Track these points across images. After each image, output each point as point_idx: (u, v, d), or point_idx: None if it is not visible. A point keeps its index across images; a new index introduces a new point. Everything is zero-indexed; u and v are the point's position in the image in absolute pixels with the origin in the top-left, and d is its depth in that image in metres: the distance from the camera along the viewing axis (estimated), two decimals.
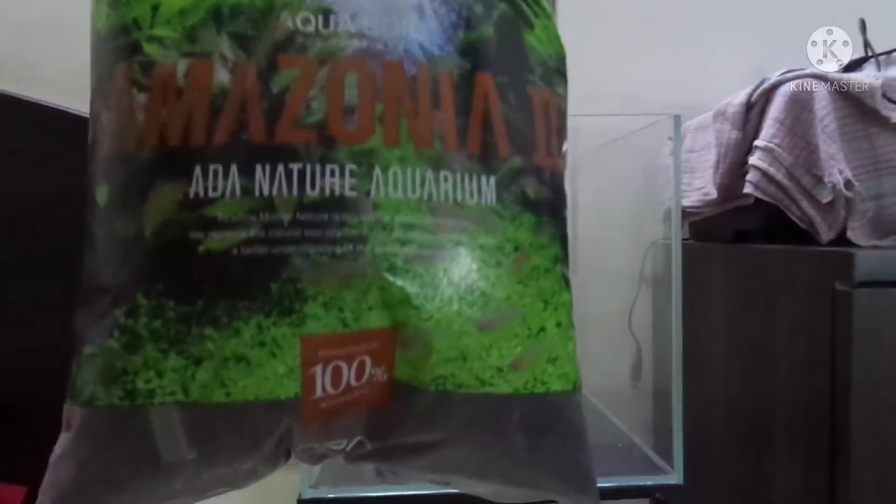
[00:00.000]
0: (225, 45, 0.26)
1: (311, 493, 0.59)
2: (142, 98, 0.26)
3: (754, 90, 0.64)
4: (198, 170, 0.26)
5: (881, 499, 0.48)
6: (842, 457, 0.48)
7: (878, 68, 0.64)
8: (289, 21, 0.27)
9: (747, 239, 0.69)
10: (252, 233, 0.25)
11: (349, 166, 0.26)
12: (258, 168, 0.26)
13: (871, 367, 0.48)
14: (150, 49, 0.26)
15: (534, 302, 0.29)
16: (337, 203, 0.26)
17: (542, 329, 0.30)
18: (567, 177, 0.33)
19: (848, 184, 0.57)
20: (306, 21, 0.27)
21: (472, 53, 0.29)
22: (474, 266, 0.28)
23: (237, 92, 0.26)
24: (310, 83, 0.26)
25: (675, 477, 0.60)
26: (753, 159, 0.61)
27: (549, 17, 0.33)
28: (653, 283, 0.87)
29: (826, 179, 0.57)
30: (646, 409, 0.87)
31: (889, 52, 0.64)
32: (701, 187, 0.72)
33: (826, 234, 0.58)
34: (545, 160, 0.31)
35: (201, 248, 0.25)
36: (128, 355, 0.25)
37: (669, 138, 0.65)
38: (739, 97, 0.65)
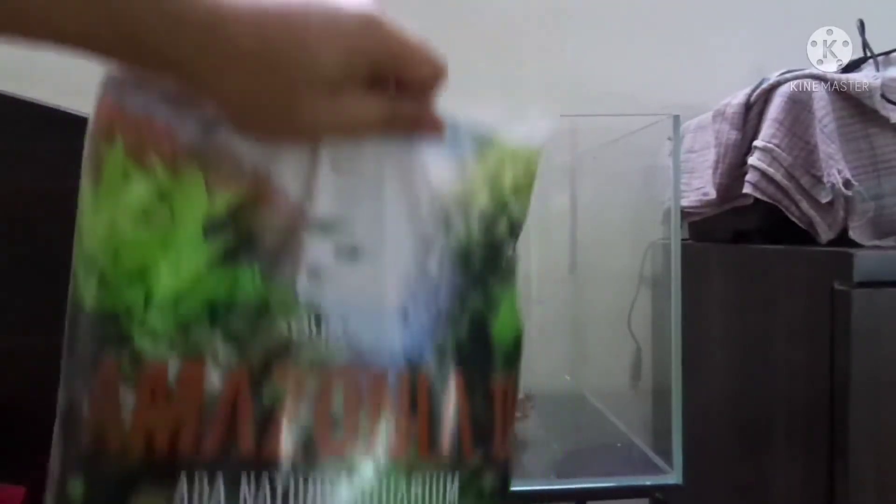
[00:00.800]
0: (218, 344, 0.26)
1: None
2: (129, 397, 0.26)
3: (753, 90, 0.64)
4: (184, 478, 0.26)
5: (880, 498, 0.48)
6: (841, 456, 0.48)
7: (877, 69, 0.64)
8: (283, 325, 0.27)
9: (746, 239, 0.69)
10: None
11: (329, 479, 0.27)
12: (244, 481, 0.26)
13: (869, 366, 0.48)
14: (141, 343, 0.26)
15: None
16: None
17: None
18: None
19: (847, 183, 0.57)
20: (299, 324, 0.27)
21: (448, 355, 0.30)
22: None
23: (228, 400, 0.26)
24: (299, 394, 0.27)
25: (674, 477, 0.60)
26: (753, 159, 0.61)
27: (513, 295, 0.33)
28: (652, 283, 0.87)
29: (825, 179, 0.57)
30: (645, 409, 0.87)
31: (888, 53, 0.64)
32: (700, 187, 0.72)
33: (825, 234, 0.58)
34: (500, 451, 0.32)
35: None
36: None
37: (669, 138, 0.65)
38: (739, 97, 0.65)
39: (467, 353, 0.31)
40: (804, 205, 0.59)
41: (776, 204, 0.60)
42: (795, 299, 0.55)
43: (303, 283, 0.27)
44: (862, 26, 0.67)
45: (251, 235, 0.27)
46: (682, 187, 0.75)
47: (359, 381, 0.28)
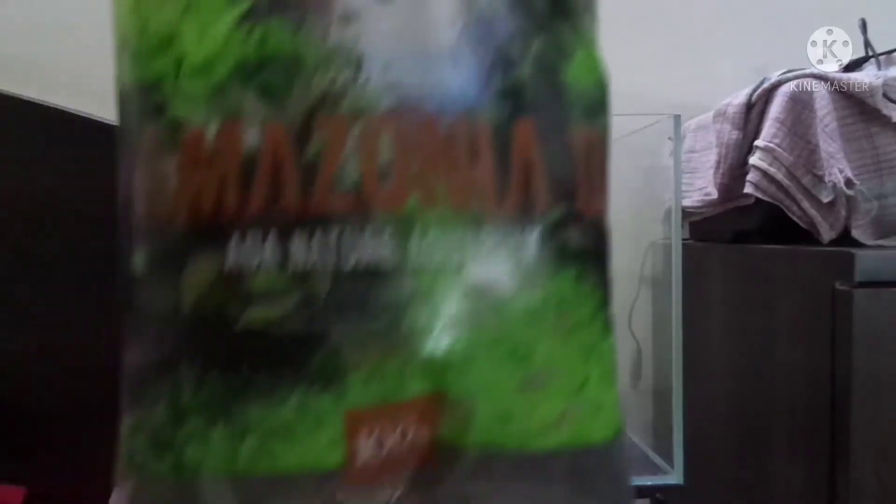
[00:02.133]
0: (253, 102, 0.26)
1: None
2: (172, 163, 0.26)
3: (754, 90, 0.64)
4: (233, 241, 0.25)
5: (880, 498, 0.48)
6: (841, 456, 0.48)
7: (879, 68, 0.64)
8: (320, 80, 0.26)
9: (747, 239, 0.69)
10: (289, 306, 0.25)
11: (386, 233, 0.26)
12: (295, 239, 0.25)
13: (871, 366, 0.48)
14: (177, 108, 0.26)
15: (576, 357, 0.29)
16: (374, 272, 0.25)
17: (586, 381, 0.29)
18: None
19: (849, 183, 0.56)
20: (337, 73, 0.26)
21: (510, 99, 0.27)
22: (516, 327, 0.27)
23: (269, 155, 0.25)
24: (342, 143, 0.26)
25: (674, 477, 0.60)
26: (754, 159, 0.61)
27: (591, 43, 0.30)
28: (652, 283, 0.87)
29: (826, 179, 0.57)
30: (646, 408, 0.87)
31: (889, 52, 0.64)
32: (702, 187, 0.72)
33: (827, 234, 0.58)
34: (587, 205, 0.30)
35: (240, 323, 0.25)
36: (174, 426, 0.25)
37: (669, 138, 0.65)
38: (739, 97, 0.65)
39: (534, 100, 0.28)
40: (805, 204, 0.59)
41: (777, 204, 0.60)
42: (796, 299, 0.55)
43: (337, 31, 0.26)
44: (864, 25, 0.67)
45: None
46: (685, 187, 0.75)
47: (407, 126, 0.26)
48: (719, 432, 0.69)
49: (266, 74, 0.25)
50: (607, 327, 0.32)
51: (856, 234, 0.57)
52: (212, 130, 0.25)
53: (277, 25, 0.26)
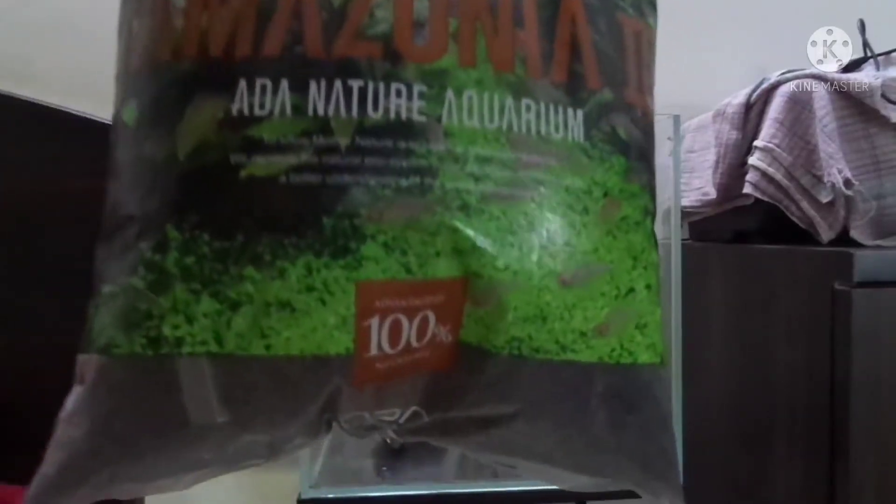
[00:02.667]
0: None
1: (311, 493, 0.59)
2: (180, 2, 0.23)
3: (754, 90, 0.64)
4: (242, 84, 0.22)
5: (880, 498, 0.48)
6: (841, 456, 0.48)
7: (878, 68, 0.64)
8: None
9: (747, 239, 0.69)
10: (303, 158, 0.21)
11: (418, 87, 0.22)
12: (312, 84, 0.22)
13: (870, 366, 0.48)
14: None
15: (623, 258, 0.26)
16: (403, 128, 0.22)
17: (632, 290, 0.26)
18: None
19: (847, 183, 0.57)
20: None
21: None
22: (558, 210, 0.24)
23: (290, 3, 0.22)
24: None
25: None
26: (753, 159, 0.61)
27: None
28: None
29: (825, 179, 0.57)
30: None
31: (888, 53, 0.64)
32: (700, 187, 0.72)
33: (826, 234, 0.58)
34: (636, 97, 0.27)
35: (243, 174, 0.21)
36: (153, 296, 0.21)
37: (669, 138, 0.65)
38: (739, 97, 0.65)
39: None
40: (805, 204, 0.59)
41: (776, 204, 0.60)
42: (796, 299, 0.55)
43: None
44: (863, 26, 0.67)
45: None
46: (682, 187, 0.75)
47: None
48: (719, 432, 0.69)
49: None
50: (654, 238, 0.28)
51: (854, 234, 0.58)
52: None
53: None
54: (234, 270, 0.21)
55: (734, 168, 0.66)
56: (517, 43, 0.24)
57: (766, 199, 0.61)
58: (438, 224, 0.22)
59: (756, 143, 0.61)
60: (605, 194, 0.25)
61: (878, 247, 0.56)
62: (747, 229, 0.69)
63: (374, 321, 0.22)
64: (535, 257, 0.23)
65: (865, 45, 0.66)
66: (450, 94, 0.23)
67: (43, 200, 0.49)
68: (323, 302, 0.21)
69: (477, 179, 0.23)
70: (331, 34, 0.22)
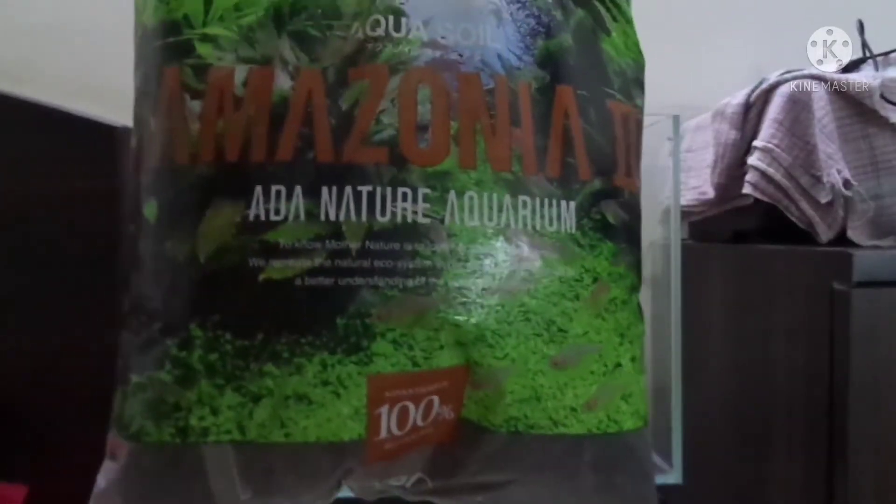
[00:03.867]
0: (286, 48, 0.24)
1: None
2: (195, 105, 0.24)
3: (753, 90, 0.64)
4: (258, 190, 0.23)
5: (879, 498, 0.48)
6: (840, 456, 0.48)
7: (877, 69, 0.64)
8: (358, 30, 0.24)
9: (746, 239, 0.69)
10: (317, 261, 0.23)
11: (422, 190, 0.24)
12: (324, 190, 0.23)
13: (869, 367, 0.48)
14: (204, 50, 0.24)
15: (610, 337, 0.27)
16: (409, 230, 0.24)
17: (618, 365, 0.28)
18: None
19: (846, 183, 0.57)
20: (376, 24, 0.24)
21: (551, 63, 0.26)
22: (552, 300, 0.25)
23: (301, 102, 0.23)
24: (379, 94, 0.24)
25: (674, 476, 0.61)
26: (752, 160, 0.61)
27: (628, 22, 0.30)
28: (652, 282, 0.87)
29: (824, 179, 0.57)
30: None
31: (887, 53, 0.64)
32: (697, 186, 0.72)
33: (825, 234, 0.59)
34: (624, 180, 0.28)
35: (261, 277, 0.23)
36: (181, 390, 0.23)
37: (669, 138, 0.65)
38: (738, 97, 0.65)
39: (574, 69, 0.27)
40: (804, 205, 0.59)
41: (776, 204, 0.60)
42: (795, 299, 0.55)
43: None
44: (861, 27, 0.67)
45: None
46: (680, 186, 0.75)
47: (447, 81, 0.24)
48: (718, 432, 0.70)
49: (301, 20, 0.24)
50: (639, 312, 0.30)
51: (852, 234, 0.58)
52: (241, 74, 0.24)
53: None
54: (255, 367, 0.23)
55: (733, 168, 0.66)
56: (514, 141, 0.25)
57: (765, 199, 0.61)
58: (442, 321, 0.24)
59: (755, 143, 0.61)
60: (595, 280, 0.27)
61: (877, 247, 0.57)
62: (746, 229, 0.70)
63: (384, 409, 0.24)
64: (530, 344, 0.25)
65: (864, 45, 0.66)
66: (452, 195, 0.24)
67: (43, 200, 0.49)
68: (337, 395, 0.23)
69: (478, 276, 0.24)
70: (340, 139, 0.23)
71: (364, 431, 0.24)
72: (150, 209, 0.25)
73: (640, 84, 0.30)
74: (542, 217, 0.26)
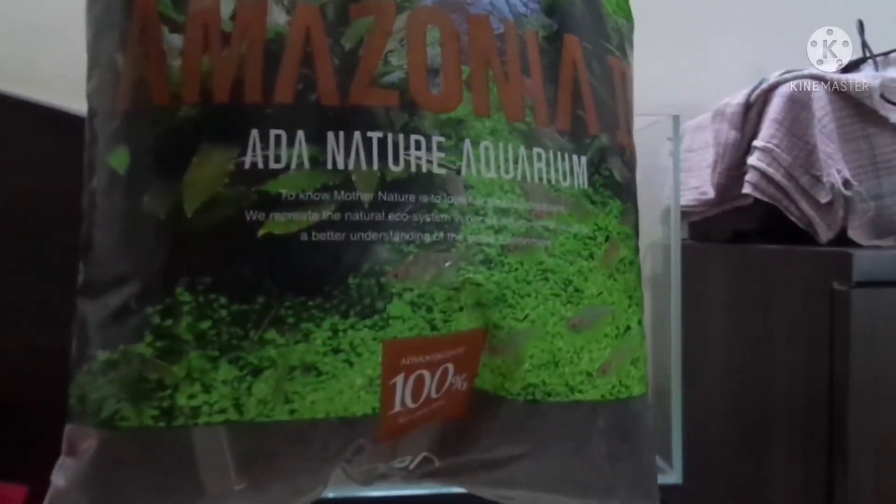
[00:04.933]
0: None
1: None
2: (175, 40, 0.21)
3: (753, 90, 0.64)
4: (255, 134, 0.21)
5: (879, 497, 0.48)
6: (840, 456, 0.48)
7: (876, 69, 0.64)
8: None
9: (746, 239, 0.69)
10: (325, 214, 0.21)
11: (436, 138, 0.22)
12: (330, 136, 0.21)
13: (869, 366, 0.48)
14: None
15: (621, 298, 0.26)
16: (424, 181, 0.22)
17: (628, 328, 0.27)
18: None
19: (846, 183, 0.57)
20: None
21: (557, 12, 0.25)
22: (568, 258, 0.24)
23: (299, 39, 0.21)
24: (386, 33, 0.22)
25: (674, 476, 0.60)
26: (752, 160, 0.61)
27: None
28: (652, 282, 0.87)
29: (824, 179, 0.57)
30: None
31: (887, 53, 0.64)
32: (697, 186, 0.72)
33: (825, 234, 0.59)
34: (626, 138, 0.27)
35: (261, 232, 0.20)
36: (165, 364, 0.20)
37: (669, 138, 0.65)
38: (738, 97, 0.65)
39: (578, 20, 0.25)
40: (804, 205, 0.59)
41: (776, 204, 0.60)
42: (795, 299, 0.55)
43: None
44: (861, 27, 0.67)
45: None
46: (680, 186, 0.75)
47: (456, 24, 0.22)
48: (718, 432, 0.70)
49: None
50: (640, 276, 0.29)
51: (852, 234, 0.58)
52: (228, 6, 0.21)
53: None
54: (255, 334, 0.20)
55: (733, 168, 0.66)
56: (525, 91, 0.24)
57: (765, 199, 0.61)
58: (463, 280, 0.22)
59: (755, 143, 0.61)
60: (607, 238, 0.26)
61: (877, 247, 0.57)
62: (746, 229, 0.70)
63: (400, 379, 0.22)
64: (549, 304, 0.23)
65: (864, 45, 0.66)
66: (467, 144, 0.22)
67: (43, 200, 0.49)
68: (350, 364, 0.21)
69: (497, 231, 0.22)
70: (345, 81, 0.21)
71: (378, 404, 0.21)
72: (118, 159, 0.22)
73: (631, 44, 0.29)
74: (557, 171, 0.24)
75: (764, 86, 0.62)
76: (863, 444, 0.48)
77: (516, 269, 0.23)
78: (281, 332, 0.20)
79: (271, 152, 0.21)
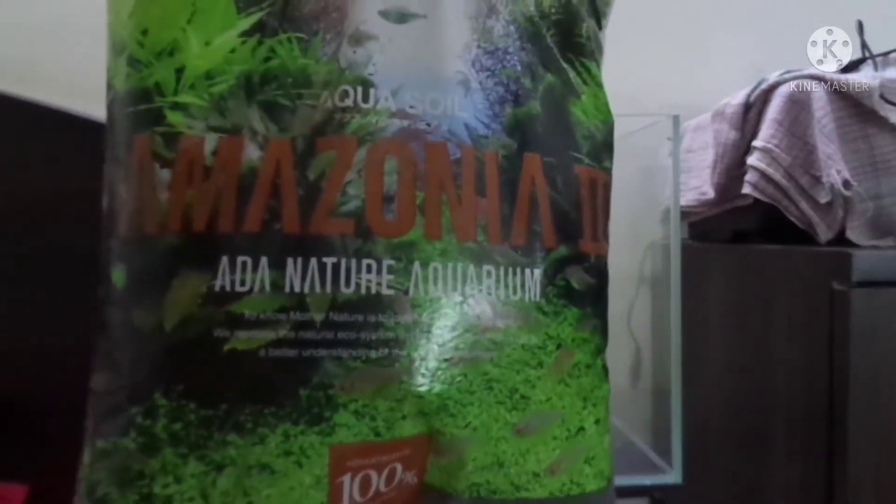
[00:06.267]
0: (255, 118, 0.24)
1: None
2: (165, 175, 0.24)
3: (753, 90, 0.64)
4: (224, 260, 0.23)
5: (879, 497, 0.48)
6: (839, 455, 0.49)
7: (876, 69, 0.64)
8: (327, 100, 0.24)
9: (746, 239, 0.70)
10: (281, 333, 0.23)
11: (387, 261, 0.24)
12: (290, 262, 0.23)
13: (868, 366, 0.48)
14: (175, 118, 0.24)
15: (574, 401, 0.27)
16: (373, 302, 0.24)
17: (581, 429, 0.28)
18: None
19: (846, 184, 0.57)
20: (345, 95, 0.24)
21: (519, 132, 0.27)
22: (515, 367, 0.26)
23: (269, 173, 0.24)
24: (346, 165, 0.24)
25: (673, 476, 0.61)
26: (752, 160, 0.61)
27: (598, 86, 0.30)
28: (652, 283, 0.87)
29: (824, 180, 0.57)
30: (645, 408, 0.87)
31: (887, 54, 0.64)
32: (697, 186, 0.72)
33: (824, 234, 0.59)
34: (591, 245, 0.29)
35: (226, 348, 0.23)
36: (144, 458, 0.23)
37: (669, 138, 0.65)
38: (738, 97, 0.65)
39: (542, 135, 0.27)
40: (803, 205, 0.59)
41: (775, 204, 0.60)
42: (794, 299, 0.55)
43: (346, 52, 0.24)
44: (860, 27, 0.67)
45: (287, 1, 0.24)
46: (680, 187, 0.75)
47: (414, 152, 0.25)
48: (718, 431, 0.70)
49: (271, 90, 0.24)
50: (604, 372, 0.30)
51: (851, 234, 0.58)
52: (211, 143, 0.24)
53: (286, 41, 0.24)
54: (219, 436, 0.23)
55: (733, 168, 0.66)
56: (479, 211, 0.25)
57: (764, 199, 0.61)
58: (405, 392, 0.24)
59: (755, 143, 0.61)
60: (559, 346, 0.27)
61: (876, 247, 0.57)
62: (746, 229, 0.70)
63: (346, 478, 0.24)
64: (492, 412, 0.25)
65: (864, 45, 0.66)
66: (416, 266, 0.24)
67: (43, 200, 0.49)
68: (300, 465, 0.23)
69: (441, 346, 0.24)
70: (307, 211, 0.24)
71: (326, 500, 0.24)
72: (118, 275, 0.25)
73: (609, 146, 0.30)
74: (507, 286, 0.26)
75: (764, 86, 0.62)
76: (862, 442, 0.48)
77: (459, 381, 0.25)
78: (241, 435, 0.23)
79: (237, 277, 0.24)
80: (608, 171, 0.31)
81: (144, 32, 0.25)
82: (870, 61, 0.65)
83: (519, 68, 0.27)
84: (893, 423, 0.48)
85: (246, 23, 0.25)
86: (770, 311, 0.59)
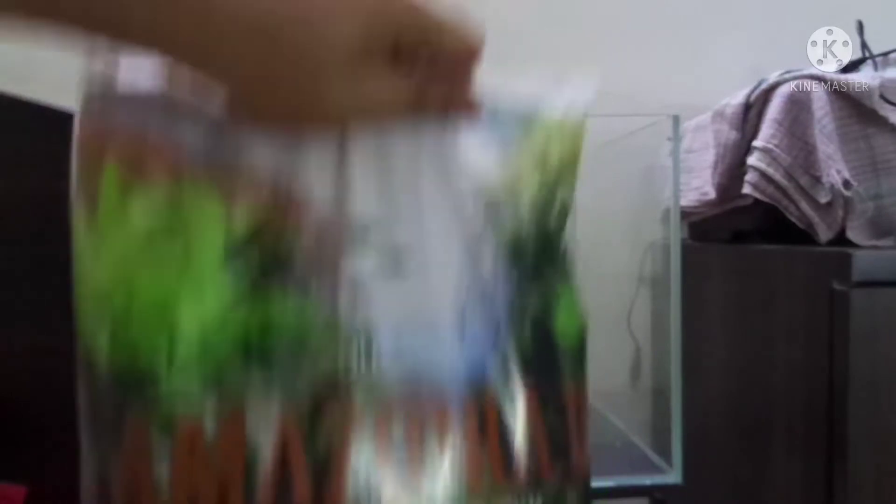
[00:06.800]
0: (257, 389, 0.23)
1: None
2: (163, 462, 0.23)
3: (753, 91, 0.64)
4: None
5: (878, 497, 0.48)
6: (839, 455, 0.49)
7: (876, 69, 0.64)
8: (328, 357, 0.24)
9: (746, 239, 0.70)
10: None
11: None
12: None
13: (868, 366, 0.48)
14: (171, 401, 0.23)
15: None
16: None
17: None
18: None
19: (846, 184, 0.57)
20: (346, 356, 0.24)
21: (511, 368, 0.27)
22: None
23: (278, 455, 0.23)
24: (357, 435, 0.24)
25: (673, 476, 0.61)
26: (752, 160, 0.61)
27: (571, 290, 0.30)
28: (652, 283, 0.87)
29: (824, 180, 0.57)
30: (645, 408, 0.87)
31: (886, 54, 0.64)
32: (698, 187, 0.72)
33: (824, 234, 0.59)
34: (579, 465, 0.30)
35: None
36: None
37: (669, 139, 0.65)
38: (738, 98, 0.65)
39: (533, 363, 0.28)
40: (803, 205, 0.59)
41: (775, 204, 0.60)
42: (794, 299, 0.55)
43: (344, 306, 0.24)
44: (860, 27, 0.67)
45: (279, 255, 0.24)
46: (681, 187, 0.75)
47: (419, 412, 0.25)
48: (718, 431, 0.70)
49: (269, 354, 0.23)
50: None
51: (851, 234, 0.58)
52: (211, 423, 0.23)
53: (280, 297, 0.24)
54: None
55: (733, 168, 0.66)
56: (482, 458, 0.27)
57: (765, 199, 0.61)
58: None
59: (755, 143, 0.61)
60: None
61: (876, 247, 0.57)
62: (746, 229, 0.70)
63: None
64: None
65: (864, 45, 0.66)
66: None
67: (43, 200, 0.49)
68: None
69: None
70: (318, 486, 0.23)
71: None
72: None
73: (582, 354, 0.31)
74: None
75: (764, 86, 0.62)
76: (862, 442, 0.48)
77: None
78: None
79: None
80: (583, 382, 0.31)
81: (126, 297, 0.23)
82: (870, 61, 0.65)
83: (507, 301, 0.28)
84: (893, 423, 0.48)
85: (237, 279, 0.23)
86: (770, 310, 0.59)
